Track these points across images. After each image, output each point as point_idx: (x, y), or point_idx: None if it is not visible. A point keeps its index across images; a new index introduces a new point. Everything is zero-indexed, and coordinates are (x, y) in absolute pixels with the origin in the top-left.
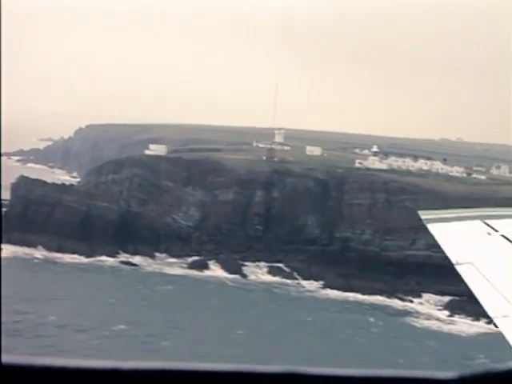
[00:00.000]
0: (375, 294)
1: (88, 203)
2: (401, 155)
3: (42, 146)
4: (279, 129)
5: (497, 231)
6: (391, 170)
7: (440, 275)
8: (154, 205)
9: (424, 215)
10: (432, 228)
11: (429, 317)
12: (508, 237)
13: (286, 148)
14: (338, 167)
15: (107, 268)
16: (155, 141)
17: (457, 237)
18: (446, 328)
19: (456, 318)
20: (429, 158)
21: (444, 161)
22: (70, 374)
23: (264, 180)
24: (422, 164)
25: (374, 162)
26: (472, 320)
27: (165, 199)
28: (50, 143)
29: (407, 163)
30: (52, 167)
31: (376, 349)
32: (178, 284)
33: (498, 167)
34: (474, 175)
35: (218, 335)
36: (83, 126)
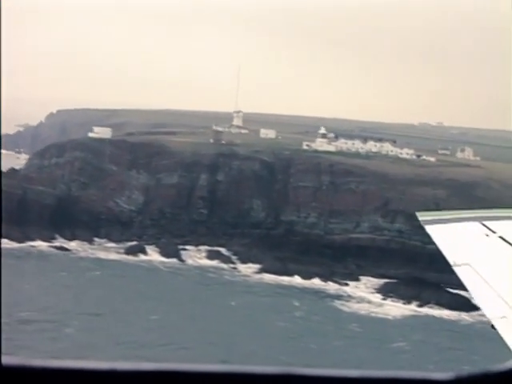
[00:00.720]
0: (312, 277)
1: (24, 187)
2: (351, 137)
3: (14, 131)
4: (237, 112)
5: (495, 232)
6: (339, 152)
7: (382, 258)
8: (95, 189)
9: (422, 216)
10: (430, 229)
11: (361, 300)
12: (506, 238)
13: (243, 131)
14: (286, 149)
15: (36, 253)
16: (121, 125)
17: (455, 238)
18: (374, 311)
19: (388, 301)
20: (379, 140)
21: (394, 142)
22: (69, 374)
23: (209, 163)
24: (371, 146)
25: (321, 144)
26: (403, 303)
27: (107, 183)
28: (21, 129)
29: (356, 145)
30: (19, 152)
31: (292, 333)
32: (109, 269)
33: (463, 150)
34: (424, 157)
35: (130, 321)
36: (54, 111)
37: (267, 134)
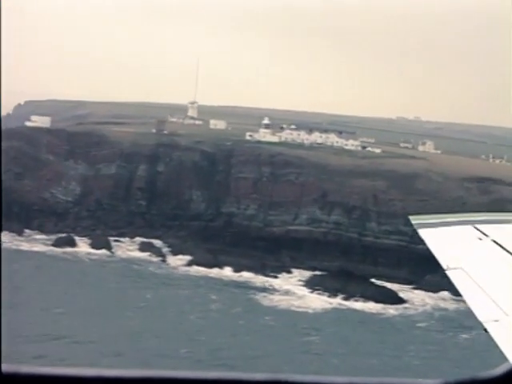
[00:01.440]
0: (242, 270)
1: None
2: (297, 129)
3: None
4: (192, 103)
5: (487, 236)
6: (282, 143)
7: (317, 251)
8: (30, 179)
9: (415, 220)
10: (423, 233)
11: (285, 293)
12: (498, 242)
13: (197, 122)
14: (229, 140)
15: None
16: (84, 116)
17: (448, 242)
18: (295, 304)
19: (314, 294)
20: (325, 131)
21: (340, 134)
22: (68, 382)
23: (149, 153)
24: (316, 137)
25: (264, 135)
26: (329, 296)
27: (44, 173)
28: None
29: (302, 136)
30: None
31: (200, 327)
32: (29, 261)
33: (424, 143)
34: (369, 148)
35: (30, 314)
36: (22, 103)
37: (216, 124)
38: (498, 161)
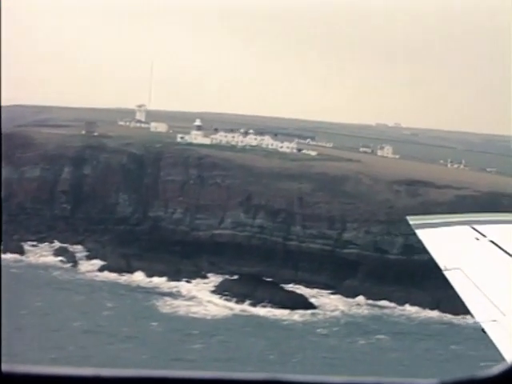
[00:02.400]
0: (155, 275)
1: None
2: (232, 131)
3: None
4: (140, 106)
5: (485, 236)
6: (213, 145)
7: (239, 255)
8: None
9: (413, 220)
10: (421, 233)
11: (190, 299)
12: (496, 242)
13: (143, 125)
14: (159, 142)
15: None
16: (46, 121)
17: (445, 242)
18: (194, 310)
19: (221, 299)
20: (260, 134)
21: (275, 136)
22: (68, 381)
23: (76, 156)
24: (251, 140)
25: (196, 137)
26: (236, 302)
27: None
28: None
29: (236, 138)
30: None
31: (79, 333)
32: None
33: (382, 148)
34: (304, 151)
35: None
36: None
37: (157, 127)
38: (455, 166)
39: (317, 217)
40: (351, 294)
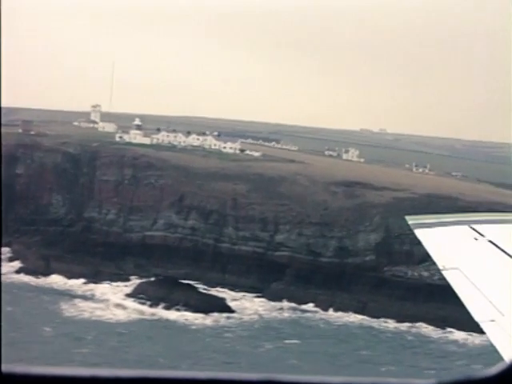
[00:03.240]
0: (74, 277)
1: None
2: (175, 131)
3: None
4: (95, 106)
5: (484, 236)
6: (153, 145)
7: (168, 258)
8: None
9: (411, 220)
10: (419, 233)
11: (100, 302)
12: (495, 242)
13: (96, 125)
14: (96, 141)
15: None
16: (12, 121)
17: (444, 242)
18: (100, 314)
19: (134, 302)
20: (202, 134)
21: (218, 136)
22: (68, 382)
23: (8, 154)
24: (193, 140)
25: (135, 137)
26: (150, 305)
27: None
28: None
29: (178, 139)
30: None
31: None
32: None
33: (347, 151)
34: (247, 152)
35: None
36: None
37: (105, 127)
38: (420, 169)
39: (250, 218)
40: (276, 297)
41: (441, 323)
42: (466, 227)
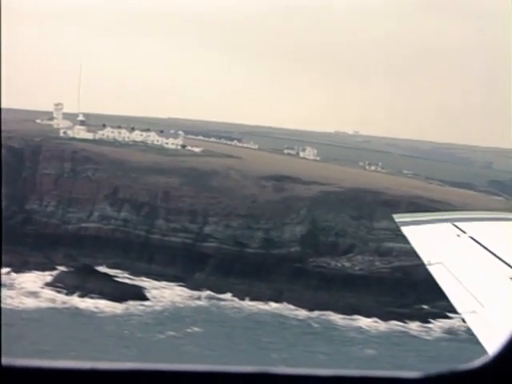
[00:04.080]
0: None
1: None
2: (119, 127)
3: None
4: (57, 104)
5: (465, 233)
6: (96, 141)
7: (99, 248)
8: None
9: (399, 218)
10: (406, 230)
11: (17, 290)
12: (476, 238)
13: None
14: (40, 136)
15: None
16: None
17: (429, 238)
18: (8, 302)
19: (52, 291)
20: (146, 130)
21: (161, 132)
22: (68, 374)
23: None
24: (137, 135)
25: (78, 132)
26: (66, 294)
27: None
28: None
29: (123, 134)
30: None
31: None
32: None
33: (304, 150)
34: (188, 147)
35: None
36: None
37: (59, 124)
38: (373, 167)
39: (180, 211)
40: (197, 286)
41: (350, 311)
42: (449, 225)
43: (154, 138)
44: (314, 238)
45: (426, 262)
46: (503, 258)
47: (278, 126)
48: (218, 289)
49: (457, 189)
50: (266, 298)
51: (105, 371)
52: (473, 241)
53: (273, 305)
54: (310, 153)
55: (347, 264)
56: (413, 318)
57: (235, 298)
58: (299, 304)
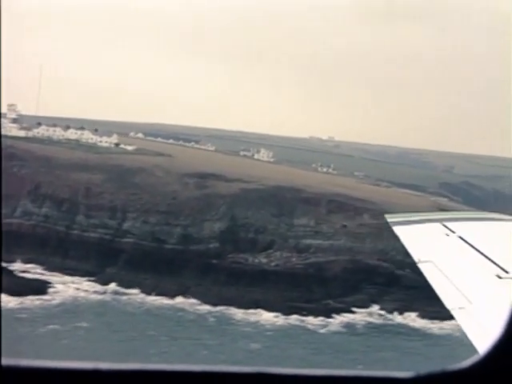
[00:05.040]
0: None
1: None
2: (54, 125)
3: None
4: (10, 105)
5: (454, 232)
6: (28, 138)
7: (19, 244)
8: None
9: (390, 218)
10: (397, 230)
11: None
12: (464, 237)
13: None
14: None
15: None
16: None
17: (419, 238)
18: None
19: None
20: (80, 128)
21: (95, 131)
22: (68, 375)
23: None
24: (71, 134)
25: (11, 130)
26: None
27: None
28: None
29: (57, 133)
30: None
31: None
32: None
33: (259, 152)
34: (122, 146)
35: None
36: None
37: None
38: (324, 169)
39: (101, 207)
40: (106, 281)
41: (254, 306)
42: (438, 224)
43: (88, 136)
44: (233, 234)
45: (416, 259)
46: (490, 257)
47: (251, 131)
48: (127, 284)
49: (397, 189)
50: (172, 293)
51: (107, 371)
52: (461, 240)
53: (178, 300)
54: (264, 155)
55: (264, 260)
56: (316, 313)
57: (141, 293)
58: (204, 299)
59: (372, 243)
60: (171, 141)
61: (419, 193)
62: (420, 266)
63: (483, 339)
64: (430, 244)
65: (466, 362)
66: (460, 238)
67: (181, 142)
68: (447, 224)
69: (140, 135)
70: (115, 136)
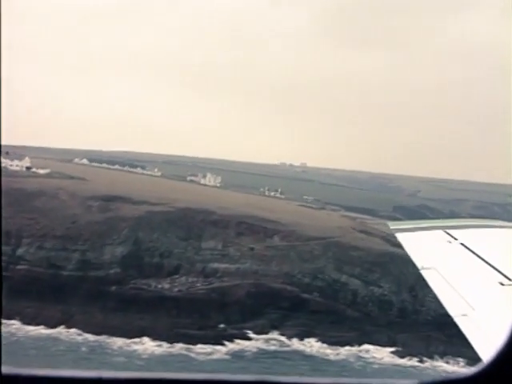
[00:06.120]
0: None
1: None
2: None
3: None
4: None
5: (456, 240)
6: None
7: None
8: None
9: (393, 226)
10: (400, 237)
11: None
12: (466, 244)
13: None
14: None
15: None
16: None
17: (422, 245)
18: None
19: None
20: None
21: (6, 154)
22: (70, 383)
23: None
24: None
25: None
26: None
27: None
28: None
29: None
30: None
31: None
32: None
33: (205, 176)
34: (34, 169)
35: None
36: None
37: None
38: (272, 193)
39: None
40: None
41: (139, 334)
42: (440, 232)
43: None
44: (137, 259)
45: (419, 266)
46: (492, 264)
47: (211, 157)
48: (6, 313)
49: (344, 212)
50: (53, 322)
51: (109, 380)
52: (463, 247)
53: (58, 330)
54: (210, 179)
55: (167, 286)
56: (207, 341)
57: (19, 323)
58: (87, 328)
59: (277, 266)
60: (117, 166)
61: (368, 216)
62: (423, 272)
63: (486, 346)
64: (433, 251)
65: (471, 370)
66: (462, 245)
67: (116, 166)
68: (449, 231)
69: (84, 161)
70: (27, 159)
